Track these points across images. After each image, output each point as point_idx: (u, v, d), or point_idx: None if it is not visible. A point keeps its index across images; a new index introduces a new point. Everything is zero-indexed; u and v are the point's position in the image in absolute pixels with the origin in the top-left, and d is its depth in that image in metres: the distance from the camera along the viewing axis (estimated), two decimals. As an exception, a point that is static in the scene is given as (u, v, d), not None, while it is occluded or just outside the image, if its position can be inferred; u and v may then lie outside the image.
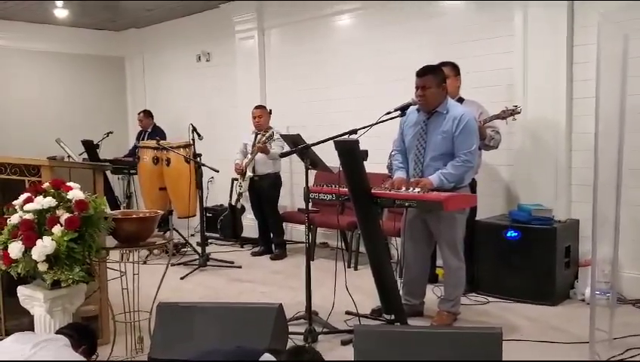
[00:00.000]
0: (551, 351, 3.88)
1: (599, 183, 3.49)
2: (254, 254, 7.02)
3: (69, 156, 7.27)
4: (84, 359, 2.85)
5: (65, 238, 3.09)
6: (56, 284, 3.19)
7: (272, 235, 7.03)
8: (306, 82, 7.44)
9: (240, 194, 7.05)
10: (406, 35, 6.35)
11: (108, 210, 3.48)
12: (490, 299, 5.02)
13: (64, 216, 3.15)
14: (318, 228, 6.81)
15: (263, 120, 6.84)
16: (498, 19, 5.62)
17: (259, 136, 6.80)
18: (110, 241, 3.63)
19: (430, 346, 2.94)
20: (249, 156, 6.79)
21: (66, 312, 3.31)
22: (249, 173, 6.78)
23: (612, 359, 3.62)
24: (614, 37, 3.59)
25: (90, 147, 7.91)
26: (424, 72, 4.24)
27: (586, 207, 4.45)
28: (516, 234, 4.94)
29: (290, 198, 7.61)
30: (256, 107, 6.97)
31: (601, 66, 3.42)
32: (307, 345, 3.91)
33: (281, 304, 3.45)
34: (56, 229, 3.11)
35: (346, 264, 6.10)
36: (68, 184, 3.32)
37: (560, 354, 3.82)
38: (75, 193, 3.23)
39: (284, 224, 7.14)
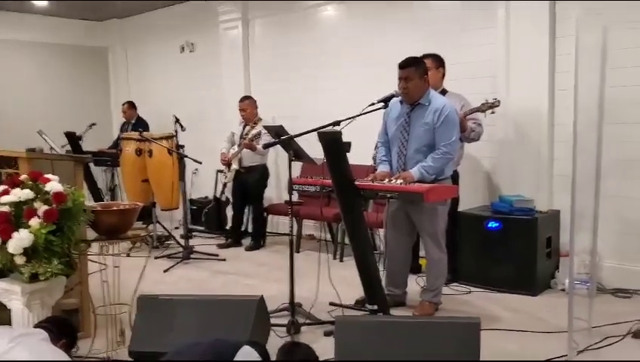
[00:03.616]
0: (530, 340, 3.92)
1: (579, 174, 3.52)
2: (220, 246, 6.99)
3: (51, 148, 7.22)
4: (63, 353, 2.83)
5: (43, 231, 3.06)
6: (34, 277, 3.15)
7: (251, 226, 7.07)
8: (292, 73, 7.42)
9: (224, 185, 7.03)
10: (391, 27, 6.34)
11: (91, 202, 3.45)
12: (472, 289, 5.06)
13: (42, 208, 3.12)
14: (306, 220, 6.82)
15: (249, 112, 6.82)
16: (481, 11, 5.62)
17: (247, 128, 6.78)
18: (91, 234, 3.61)
19: (409, 336, 2.96)
20: (236, 148, 6.77)
21: (45, 306, 3.27)
22: (234, 166, 6.77)
23: (590, 347, 3.67)
24: (594, 29, 3.60)
25: (73, 139, 7.85)
26: (406, 64, 4.25)
27: (567, 198, 4.46)
28: (497, 224, 4.98)
29: (277, 190, 7.59)
30: (242, 100, 6.93)
31: (579, 58, 3.43)
32: (291, 337, 3.94)
33: (262, 296, 3.45)
34: (34, 222, 3.07)
35: (332, 256, 6.11)
36: (46, 176, 3.29)
37: (539, 343, 3.86)
38: (53, 185, 3.20)
39: (269, 216, 7.16)
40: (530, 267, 4.87)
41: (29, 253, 3.06)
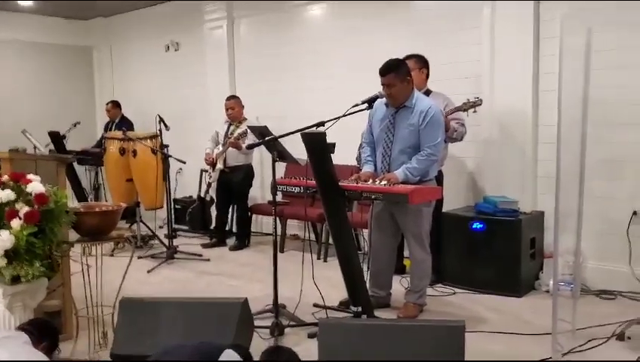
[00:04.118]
0: (515, 342, 3.93)
1: (564, 175, 3.53)
2: (205, 246, 6.97)
3: (35, 147, 7.13)
4: (45, 356, 2.80)
5: (24, 232, 3.03)
6: (16, 279, 3.11)
7: (235, 226, 7.08)
8: (277, 73, 7.39)
9: (209, 185, 7.00)
10: (377, 27, 6.33)
11: (75, 203, 3.42)
12: (457, 290, 5.07)
13: (23, 209, 3.09)
14: (290, 220, 6.80)
15: (236, 111, 6.81)
16: (466, 12, 5.63)
17: (232, 127, 6.76)
18: (74, 235, 3.57)
19: (393, 339, 2.95)
20: (220, 147, 6.74)
21: (27, 308, 3.24)
22: (219, 166, 6.74)
23: (574, 350, 3.68)
24: (578, 30, 3.62)
25: (56, 138, 7.77)
26: (386, 71, 4.22)
27: (551, 199, 4.51)
28: (482, 225, 4.99)
29: (261, 190, 7.57)
30: (229, 98, 6.94)
31: (564, 59, 3.45)
32: (275, 339, 3.92)
33: (246, 298, 3.44)
34: (16, 223, 3.04)
35: (316, 256, 6.10)
36: (28, 177, 3.25)
37: (524, 344, 3.87)
38: (35, 186, 3.16)
39: (254, 216, 7.15)
40: (515, 268, 4.88)
41: (11, 254, 3.03)
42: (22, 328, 2.91)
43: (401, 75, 4.25)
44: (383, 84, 4.25)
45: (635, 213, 4.82)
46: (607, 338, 3.87)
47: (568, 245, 4.39)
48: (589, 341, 3.82)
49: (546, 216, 5.21)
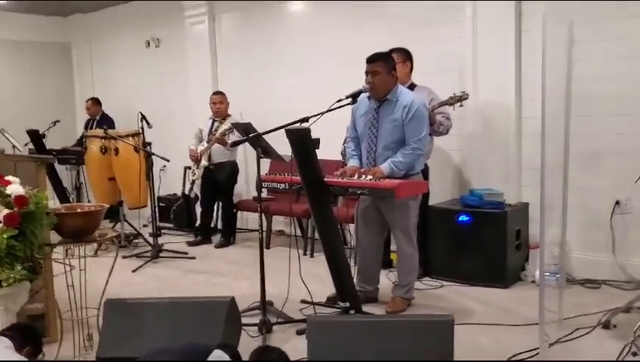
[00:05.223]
0: (503, 333, 3.94)
1: (547, 167, 3.53)
2: (190, 244, 6.93)
3: (13, 147, 7.06)
4: (27, 360, 2.76)
5: (5, 236, 2.98)
6: (-4, 283, 3.07)
7: (220, 223, 7.07)
8: (260, 68, 7.34)
9: (193, 182, 6.95)
10: (360, 22, 6.30)
11: (56, 203, 3.36)
12: (444, 283, 5.08)
13: (3, 212, 3.03)
14: (275, 216, 6.77)
15: (223, 107, 6.78)
16: (449, 5, 5.61)
17: (216, 124, 6.71)
18: (56, 237, 3.52)
19: (382, 335, 2.94)
20: (205, 144, 6.69)
21: (9, 312, 3.19)
22: (204, 162, 6.69)
23: (561, 340, 3.70)
24: (560, 22, 3.62)
25: (35, 137, 7.64)
26: (374, 58, 4.23)
27: (535, 191, 4.52)
28: (468, 218, 5.00)
29: (246, 186, 7.53)
30: (216, 93, 6.92)
31: (547, 52, 3.44)
32: (263, 336, 3.90)
33: (233, 297, 3.40)
34: (-5, 226, 2.99)
35: (302, 252, 6.08)
36: (7, 178, 3.19)
37: (512, 336, 3.88)
38: (14, 188, 3.11)
39: (239, 212, 7.11)
40: (501, 260, 4.90)
41: (-9, 258, 2.97)
42: (3, 333, 2.86)
43: (388, 66, 4.25)
44: (367, 72, 4.23)
45: (617, 202, 4.84)
46: (593, 327, 3.89)
47: (553, 236, 4.40)
48: (576, 330, 3.84)
49: (530, 208, 5.23)
